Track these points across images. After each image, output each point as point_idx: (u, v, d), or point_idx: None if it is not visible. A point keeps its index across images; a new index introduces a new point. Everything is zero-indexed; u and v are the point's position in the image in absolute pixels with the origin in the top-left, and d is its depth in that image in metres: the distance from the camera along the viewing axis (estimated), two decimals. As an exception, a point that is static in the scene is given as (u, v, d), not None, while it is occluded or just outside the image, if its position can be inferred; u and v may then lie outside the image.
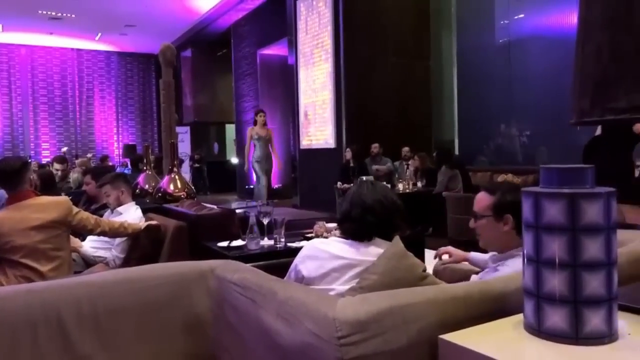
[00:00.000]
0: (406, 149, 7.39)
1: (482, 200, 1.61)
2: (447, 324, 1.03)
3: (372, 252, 1.39)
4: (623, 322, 1.03)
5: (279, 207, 7.52)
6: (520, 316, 1.03)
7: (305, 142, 8.93)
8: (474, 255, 1.94)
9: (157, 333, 1.37)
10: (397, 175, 6.98)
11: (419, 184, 6.50)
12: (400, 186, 6.27)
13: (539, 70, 7.28)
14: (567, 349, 0.92)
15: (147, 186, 4.80)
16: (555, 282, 0.94)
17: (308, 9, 8.90)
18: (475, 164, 8.20)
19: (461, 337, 0.96)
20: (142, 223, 2.89)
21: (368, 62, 8.15)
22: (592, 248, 0.93)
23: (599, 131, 3.86)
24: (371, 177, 6.65)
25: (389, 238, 1.40)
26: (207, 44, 13.62)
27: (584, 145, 3.95)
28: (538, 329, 0.97)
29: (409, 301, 1.02)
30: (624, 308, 1.12)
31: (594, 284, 0.93)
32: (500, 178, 6.45)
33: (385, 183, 6.60)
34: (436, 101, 8.99)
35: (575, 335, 0.93)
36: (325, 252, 1.47)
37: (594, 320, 0.92)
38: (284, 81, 10.54)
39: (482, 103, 8.67)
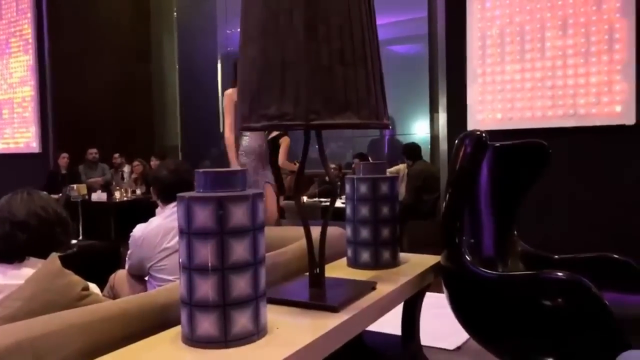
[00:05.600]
0: (116, 155, 6.99)
1: None
2: (97, 348, 0.92)
3: (23, 274, 1.17)
4: (276, 316, 1.09)
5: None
6: (179, 327, 1.00)
7: (0, 145, 7.56)
8: None
9: None
10: (114, 183, 6.50)
11: (138, 191, 6.19)
12: (118, 194, 5.86)
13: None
14: (217, 354, 0.91)
15: None
16: (205, 287, 0.93)
17: (1, -11, 7.56)
18: (200, 168, 8.26)
19: (109, 361, 0.87)
20: None
21: (80, 58, 7.38)
22: (239, 250, 0.94)
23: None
24: (84, 186, 6.04)
25: (47, 257, 1.21)
26: None
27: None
28: (191, 338, 0.94)
29: (46, 330, 0.88)
30: (284, 302, 1.21)
31: (241, 285, 0.95)
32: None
33: (101, 192, 6.09)
34: (159, 105, 8.75)
35: (224, 339, 0.93)
36: None
37: (242, 320, 0.94)
38: (-29, 72, 8.72)
39: (206, 109, 8.82)
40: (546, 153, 1.69)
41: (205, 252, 0.93)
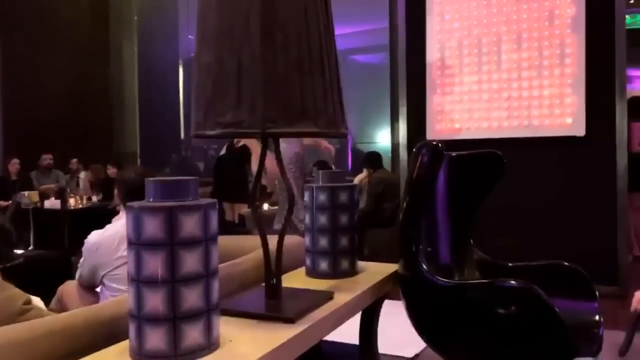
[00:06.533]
0: (74, 160, 6.78)
1: None
2: (38, 366, 0.87)
3: (-40, 288, 1.11)
4: (230, 329, 1.07)
5: None
6: (128, 342, 0.96)
7: (-54, 151, 7.19)
8: None
9: None
10: (68, 190, 6.28)
11: (94, 198, 6.00)
12: (72, 201, 5.66)
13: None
14: (166, 369, 0.88)
15: None
16: (155, 300, 0.90)
17: (-51, -14, 7.23)
18: (160, 175, 8.09)
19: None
20: None
21: (34, 62, 7.14)
22: (190, 261, 0.92)
23: (224, 151, 5.05)
24: (35, 193, 5.82)
25: (-14, 268, 1.15)
26: None
27: (216, 160, 5.06)
28: (140, 353, 0.91)
29: (-20, 348, 0.82)
30: (239, 314, 1.18)
31: (192, 297, 0.92)
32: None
33: (54, 199, 5.87)
34: (117, 110, 8.54)
35: (173, 353, 0.90)
36: None
37: (193, 334, 0.91)
38: None
39: (167, 115, 8.67)
40: (501, 163, 1.73)
41: (155, 264, 0.90)
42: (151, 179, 0.96)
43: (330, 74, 1.19)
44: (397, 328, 2.04)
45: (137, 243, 0.91)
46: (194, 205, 0.93)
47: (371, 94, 7.51)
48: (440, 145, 1.47)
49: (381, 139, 7.98)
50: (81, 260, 1.91)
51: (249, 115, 1.09)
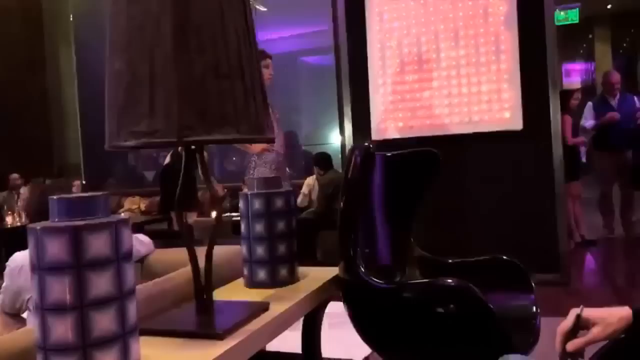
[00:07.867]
0: (15, 175, 6.43)
1: None
2: None
3: None
4: (154, 350, 1.01)
5: None
6: (37, 374, 0.88)
7: None
8: None
9: None
10: (5, 208, 5.95)
11: (34, 215, 5.69)
12: (9, 219, 5.36)
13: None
14: (76, 403, 0.81)
15: None
16: (62, 328, 0.83)
17: None
18: (105, 187, 7.83)
19: None
20: None
21: (-39, 71, 6.73)
22: (100, 284, 0.85)
23: (168, 159, 4.93)
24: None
25: None
26: None
27: (160, 171, 5.10)
28: (47, 387, 0.84)
29: None
30: (165, 333, 1.12)
31: (104, 322, 0.85)
32: (127, 202, 6.33)
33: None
34: (57, 120, 8.17)
35: (85, 385, 0.83)
36: None
37: (106, 361, 0.85)
38: None
39: (110, 124, 8.36)
40: (437, 160, 1.74)
41: (60, 289, 0.83)
42: (55, 196, 0.89)
43: (251, 76, 1.15)
44: (346, 330, 2.02)
45: (40, 268, 0.84)
46: (103, 223, 0.87)
47: (321, 95, 7.52)
48: (371, 146, 1.45)
49: (332, 140, 8.00)
50: (3, 285, 1.78)
51: (164, 123, 1.03)
